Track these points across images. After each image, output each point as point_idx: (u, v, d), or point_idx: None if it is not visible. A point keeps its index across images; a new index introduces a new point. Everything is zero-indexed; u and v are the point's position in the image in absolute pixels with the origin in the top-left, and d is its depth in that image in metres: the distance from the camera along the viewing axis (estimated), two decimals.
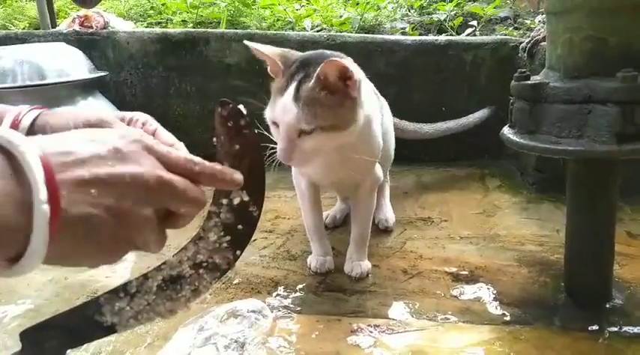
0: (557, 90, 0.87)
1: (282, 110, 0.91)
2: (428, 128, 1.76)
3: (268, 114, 0.95)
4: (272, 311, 1.00)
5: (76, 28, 2.15)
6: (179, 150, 0.58)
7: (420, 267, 1.18)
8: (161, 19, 2.58)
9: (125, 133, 0.44)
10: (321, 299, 1.07)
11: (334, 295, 1.08)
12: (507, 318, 0.97)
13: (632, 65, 0.81)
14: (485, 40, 1.92)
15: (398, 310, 1.01)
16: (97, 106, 1.86)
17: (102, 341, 0.89)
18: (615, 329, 0.91)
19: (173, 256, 0.52)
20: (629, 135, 0.81)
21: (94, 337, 0.52)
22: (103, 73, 1.97)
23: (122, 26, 2.26)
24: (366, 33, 2.16)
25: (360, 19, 2.23)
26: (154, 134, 0.60)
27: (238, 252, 0.52)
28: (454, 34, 2.13)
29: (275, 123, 0.94)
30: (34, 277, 1.17)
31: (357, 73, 0.89)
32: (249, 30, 2.21)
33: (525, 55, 1.65)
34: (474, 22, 2.15)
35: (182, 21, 2.47)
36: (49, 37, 2.10)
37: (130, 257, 1.27)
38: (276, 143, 0.93)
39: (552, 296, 1.03)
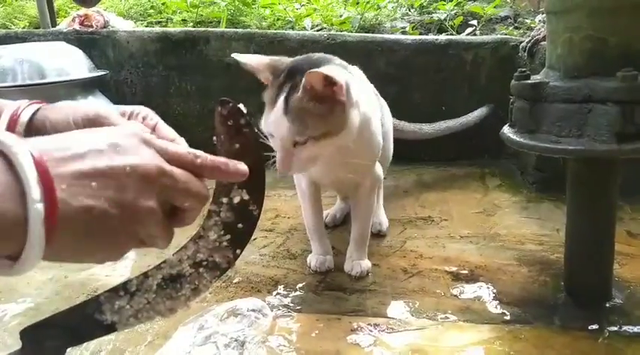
0: (557, 90, 0.87)
1: (274, 124, 0.91)
2: (428, 128, 1.76)
3: (263, 127, 0.95)
4: (272, 310, 1.00)
5: (76, 27, 2.15)
6: (180, 145, 0.58)
7: (420, 266, 1.18)
8: (161, 18, 2.58)
9: (123, 128, 0.44)
10: (321, 298, 1.07)
11: (334, 294, 1.08)
12: (507, 317, 0.97)
13: (632, 65, 0.81)
14: (485, 39, 1.92)
15: (398, 309, 1.01)
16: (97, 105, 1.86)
17: (102, 340, 0.89)
18: (615, 328, 0.91)
19: (173, 255, 0.52)
20: (629, 134, 0.81)
21: (94, 335, 0.52)
22: (103, 72, 1.97)
23: (122, 25, 2.26)
24: (366, 32, 2.16)
25: (360, 19, 2.23)
26: (154, 128, 0.60)
27: (238, 251, 0.52)
28: (454, 33, 2.13)
29: (271, 135, 0.94)
30: (34, 276, 1.17)
31: (342, 77, 0.88)
32: (249, 29, 2.21)
33: (525, 54, 1.65)
34: (474, 22, 2.15)
35: (182, 20, 2.47)
36: (49, 36, 2.10)
37: (130, 255, 1.27)
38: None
39: (552, 296, 1.03)
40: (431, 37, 2.04)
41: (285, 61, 0.97)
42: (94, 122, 0.54)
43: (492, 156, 1.92)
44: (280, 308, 1.03)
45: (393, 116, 1.45)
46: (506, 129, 0.97)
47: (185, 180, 0.44)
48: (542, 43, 1.55)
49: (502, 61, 1.85)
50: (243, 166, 0.47)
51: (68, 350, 0.51)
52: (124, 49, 2.07)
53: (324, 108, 0.89)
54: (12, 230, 0.35)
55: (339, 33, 2.05)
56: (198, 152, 0.46)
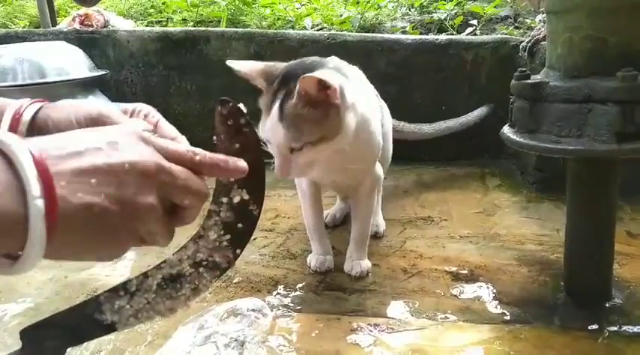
0: (557, 90, 0.87)
1: (270, 131, 0.91)
2: (427, 128, 1.76)
3: (260, 133, 0.95)
4: (272, 310, 1.00)
5: (77, 26, 2.15)
6: (181, 143, 0.58)
7: (419, 266, 1.18)
8: (161, 17, 2.58)
9: (121, 126, 0.44)
10: (320, 298, 1.07)
11: (334, 294, 1.08)
12: (507, 317, 0.97)
13: (631, 65, 0.81)
14: (485, 39, 1.92)
15: (398, 309, 1.01)
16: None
17: (102, 340, 0.89)
18: (615, 328, 0.91)
19: (173, 255, 0.52)
20: (629, 134, 0.81)
21: (94, 335, 0.52)
22: (103, 72, 1.97)
23: (122, 25, 2.27)
24: (366, 32, 2.16)
25: (361, 18, 2.23)
26: (156, 126, 0.60)
27: (238, 251, 0.52)
28: (454, 33, 2.13)
29: (268, 141, 0.94)
30: (34, 276, 1.17)
31: (335, 80, 0.88)
32: (249, 29, 2.21)
33: (526, 54, 1.65)
34: (475, 21, 2.15)
35: (182, 20, 2.47)
36: (49, 36, 2.10)
37: (130, 255, 1.27)
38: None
39: (552, 296, 1.04)
40: (431, 36, 2.04)
41: (279, 66, 0.97)
42: (96, 121, 0.54)
43: (492, 156, 1.92)
44: (280, 308, 1.03)
45: (393, 116, 1.45)
46: (506, 129, 0.97)
47: (184, 178, 0.44)
48: (543, 42, 1.55)
49: (502, 60, 1.85)
50: (242, 163, 0.47)
51: (68, 350, 0.51)
52: (124, 48, 2.07)
53: (319, 113, 0.89)
54: (13, 228, 0.35)
55: (340, 32, 2.05)
56: (197, 149, 0.46)
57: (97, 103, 0.58)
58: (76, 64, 1.87)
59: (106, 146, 0.40)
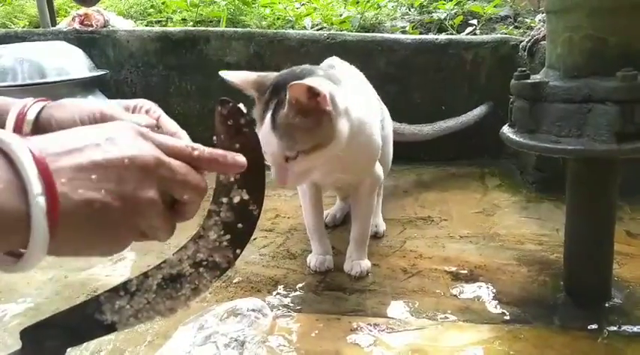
0: (557, 90, 0.87)
1: (264, 141, 0.91)
2: (428, 129, 1.76)
3: None
4: (272, 310, 1.00)
5: (76, 26, 2.15)
6: (181, 139, 0.58)
7: (419, 266, 1.18)
8: (161, 17, 2.58)
9: (120, 122, 0.45)
10: (320, 298, 1.07)
11: (334, 294, 1.08)
12: (507, 317, 0.97)
13: (631, 64, 0.81)
14: (485, 38, 1.92)
15: (397, 309, 1.01)
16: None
17: (102, 340, 0.89)
18: (615, 328, 0.91)
19: (173, 255, 0.52)
20: (629, 134, 0.81)
21: (94, 335, 0.52)
22: (103, 72, 1.97)
23: (122, 25, 2.27)
24: (366, 32, 2.16)
25: (360, 18, 2.23)
26: (157, 121, 0.60)
27: (238, 251, 0.52)
28: (454, 32, 2.13)
29: (264, 151, 0.94)
30: (34, 276, 1.17)
31: (325, 87, 0.88)
32: (249, 28, 2.21)
33: (525, 53, 1.65)
34: (474, 21, 2.15)
35: (182, 19, 2.47)
36: (49, 36, 2.10)
37: (131, 255, 1.27)
38: None
39: (552, 296, 1.04)
40: (431, 36, 2.04)
41: (271, 76, 0.97)
42: (99, 120, 0.54)
43: (492, 155, 1.92)
44: (280, 308, 1.03)
45: (393, 116, 1.45)
46: (505, 129, 0.97)
47: (184, 172, 0.44)
48: (542, 42, 1.55)
49: (502, 60, 1.85)
50: (241, 158, 0.47)
51: (68, 350, 0.51)
52: (124, 48, 2.07)
53: (311, 121, 0.89)
54: (15, 226, 0.35)
55: (339, 32, 2.05)
56: (196, 144, 0.46)
57: (98, 103, 0.57)
58: (75, 64, 1.87)
59: (105, 142, 0.41)
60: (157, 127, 0.59)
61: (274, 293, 1.09)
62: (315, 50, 1.91)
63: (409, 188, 1.73)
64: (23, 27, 2.51)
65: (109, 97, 1.95)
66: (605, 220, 0.97)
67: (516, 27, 2.11)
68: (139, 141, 0.43)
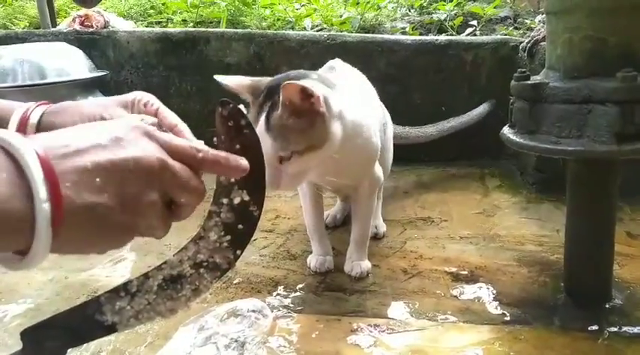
0: (557, 90, 0.87)
1: None
2: (432, 130, 1.76)
3: None
4: (272, 311, 1.00)
5: (77, 27, 2.16)
6: (183, 131, 0.58)
7: (419, 267, 1.18)
8: (161, 18, 2.58)
9: (125, 121, 0.44)
10: (321, 298, 1.07)
11: (334, 295, 1.08)
12: (507, 318, 0.97)
13: (631, 65, 0.81)
14: (485, 39, 1.92)
15: (398, 310, 1.01)
16: None
17: (102, 341, 0.89)
18: (615, 329, 0.91)
19: (174, 255, 0.52)
20: (629, 135, 0.81)
21: (95, 336, 0.52)
22: (103, 73, 1.97)
23: (122, 26, 2.27)
24: (366, 32, 2.16)
25: (361, 19, 2.23)
26: (156, 113, 0.60)
27: (239, 252, 0.52)
28: (454, 33, 2.13)
29: None
30: (35, 276, 1.17)
31: (318, 89, 0.89)
32: (249, 29, 2.21)
33: (525, 54, 1.65)
34: (474, 22, 2.15)
35: (182, 20, 2.47)
36: (49, 37, 2.10)
37: (131, 256, 1.27)
38: None
39: (552, 296, 1.04)
40: (431, 37, 2.04)
41: (265, 81, 0.98)
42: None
43: (492, 156, 1.91)
44: (280, 308, 1.03)
45: (393, 117, 1.45)
46: (506, 130, 0.97)
47: (185, 177, 0.44)
48: (542, 43, 1.55)
49: (502, 61, 1.85)
50: (244, 161, 0.48)
51: (69, 350, 0.51)
52: (124, 49, 2.07)
53: (304, 122, 0.89)
54: (20, 227, 0.36)
55: (339, 33, 2.05)
56: (200, 145, 0.46)
57: (99, 105, 0.57)
58: (76, 64, 1.87)
59: (110, 142, 0.41)
60: (159, 126, 0.59)
61: (274, 294, 1.09)
62: (315, 51, 1.91)
63: (409, 189, 1.73)
64: (23, 28, 2.52)
65: None
66: (605, 221, 0.97)
67: (516, 28, 2.11)
68: (144, 141, 0.43)
